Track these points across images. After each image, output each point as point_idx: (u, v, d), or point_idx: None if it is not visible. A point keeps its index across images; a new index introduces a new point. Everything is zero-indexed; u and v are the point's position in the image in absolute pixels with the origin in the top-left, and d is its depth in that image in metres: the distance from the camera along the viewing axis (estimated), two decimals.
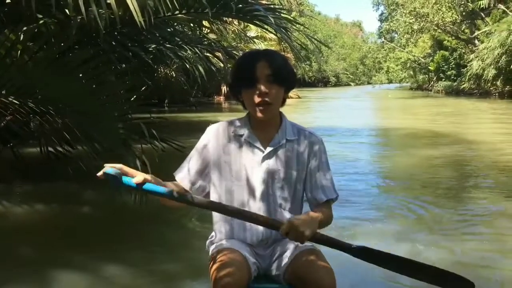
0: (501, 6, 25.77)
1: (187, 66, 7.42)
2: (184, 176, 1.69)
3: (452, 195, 4.95)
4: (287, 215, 1.66)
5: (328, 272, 1.49)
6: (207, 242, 1.77)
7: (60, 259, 3.00)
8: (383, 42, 50.45)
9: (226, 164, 1.67)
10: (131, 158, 3.86)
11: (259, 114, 1.60)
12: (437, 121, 13.66)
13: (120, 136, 3.85)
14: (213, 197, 1.68)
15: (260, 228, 1.62)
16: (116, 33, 5.02)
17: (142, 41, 5.35)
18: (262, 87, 1.57)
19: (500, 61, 21.76)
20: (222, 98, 27.22)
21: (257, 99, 1.58)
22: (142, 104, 4.82)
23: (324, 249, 1.61)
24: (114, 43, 4.89)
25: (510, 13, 23.23)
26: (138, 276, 2.79)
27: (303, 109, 19.35)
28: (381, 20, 51.87)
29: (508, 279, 2.77)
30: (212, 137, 1.68)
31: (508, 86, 24.00)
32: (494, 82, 24.32)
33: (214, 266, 1.50)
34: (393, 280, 2.59)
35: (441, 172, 6.17)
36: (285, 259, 1.60)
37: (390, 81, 61.47)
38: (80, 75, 3.93)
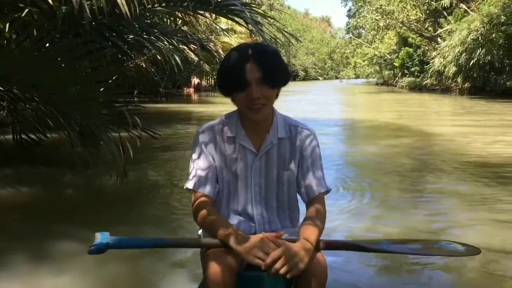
0: (463, 6, 26.84)
1: (158, 57, 7.59)
2: (207, 189, 1.62)
3: (409, 178, 5.42)
4: (284, 217, 1.68)
5: (322, 266, 1.46)
6: (199, 228, 1.74)
7: (51, 232, 3.22)
8: (350, 37, 51.39)
9: (223, 168, 1.64)
10: (113, 145, 4.06)
11: (252, 116, 1.57)
12: (400, 114, 14.29)
13: (104, 123, 4.04)
14: (216, 201, 1.66)
15: (255, 225, 1.64)
16: (94, 23, 5.18)
17: (121, 31, 5.53)
18: (254, 92, 1.51)
19: (460, 59, 22.71)
20: (191, 90, 27.26)
21: (249, 103, 1.54)
22: (117, 93, 5.00)
23: None
24: (94, 33, 5.05)
25: (471, 12, 24.22)
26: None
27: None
28: (349, 16, 52.82)
29: None
30: (209, 141, 1.65)
31: (467, 83, 25.10)
32: (455, 79, 25.37)
33: (205, 256, 1.50)
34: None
35: (401, 159, 6.66)
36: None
37: (357, 76, 62.76)
38: (63, 64, 4.10)
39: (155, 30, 5.93)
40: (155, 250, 2.64)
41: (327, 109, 16.57)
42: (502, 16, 20.46)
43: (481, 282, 2.60)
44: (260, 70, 1.50)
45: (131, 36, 5.71)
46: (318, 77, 78.50)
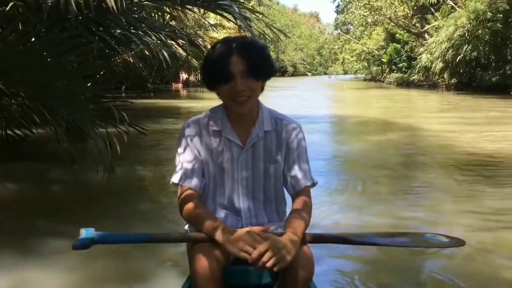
0: (450, 2, 27.05)
1: (146, 52, 7.53)
2: (193, 183, 1.61)
3: (397, 173, 5.48)
4: (270, 210, 1.69)
5: (308, 259, 1.46)
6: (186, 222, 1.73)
7: (38, 228, 3.20)
8: (339, 33, 51.45)
9: (209, 162, 1.64)
10: (100, 141, 4.04)
11: (236, 109, 1.57)
12: (387, 110, 14.40)
13: (91, 118, 4.02)
14: (202, 195, 1.66)
15: (241, 219, 1.65)
16: (81, 17, 5.13)
17: (108, 26, 5.48)
18: (238, 84, 1.51)
19: (447, 55, 22.90)
20: (180, 85, 27.15)
21: (233, 95, 1.53)
22: (104, 89, 4.97)
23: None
24: (81, 28, 5.00)
25: (458, 8, 24.42)
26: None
27: (260, 98, 19.65)
28: (337, 12, 52.78)
29: None
30: (194, 135, 1.64)
31: (454, 79, 25.36)
32: (441, 75, 25.60)
33: (191, 250, 1.49)
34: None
35: (388, 154, 6.73)
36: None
37: (345, 72, 62.88)
38: (49, 59, 4.06)
39: (143, 25, 5.88)
40: (144, 245, 2.63)
41: (316, 105, 16.63)
42: (488, 13, 20.69)
43: (466, 273, 2.65)
44: (244, 63, 1.50)
45: (118, 31, 5.66)
46: (307, 73, 78.60)
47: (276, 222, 1.67)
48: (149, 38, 6.01)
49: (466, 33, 21.49)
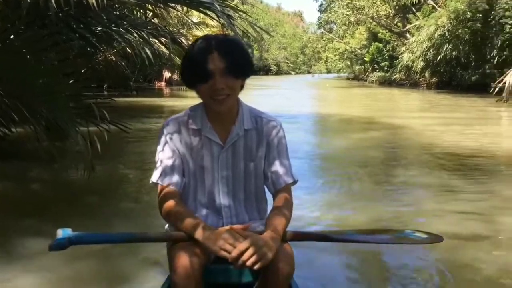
0: (431, 2, 27.41)
1: (129, 50, 7.45)
2: (173, 180, 1.60)
3: (378, 170, 5.55)
4: (251, 209, 1.68)
5: (288, 256, 1.45)
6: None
7: (17, 228, 3.15)
8: (322, 32, 51.69)
9: (189, 161, 1.62)
10: (80, 139, 3.99)
11: (216, 107, 1.55)
12: (370, 109, 14.55)
13: (71, 117, 3.96)
14: (183, 194, 1.64)
15: (222, 218, 1.63)
16: (61, 14, 5.05)
17: (88, 23, 5.41)
18: (218, 83, 1.49)
19: (428, 54, 23.23)
20: (163, 83, 26.95)
21: (213, 94, 1.52)
22: (85, 86, 4.91)
23: None
24: (61, 25, 4.93)
25: (438, 8, 24.76)
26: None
27: (243, 97, 19.67)
28: (320, 11, 52.97)
29: None
30: (174, 133, 1.62)
31: (434, 78, 25.73)
32: (423, 74, 25.97)
33: (172, 250, 1.48)
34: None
35: (370, 152, 6.79)
36: None
37: (328, 71, 63.18)
38: (28, 56, 3.99)
39: (124, 22, 5.82)
40: (125, 245, 2.61)
41: (299, 104, 16.69)
42: (468, 13, 21.04)
43: (444, 268, 2.70)
44: (223, 61, 1.48)
45: (99, 28, 5.60)
46: (291, 72, 78.73)
47: (257, 220, 1.67)
48: (131, 36, 5.95)
49: (447, 33, 21.82)
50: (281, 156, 1.67)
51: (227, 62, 1.48)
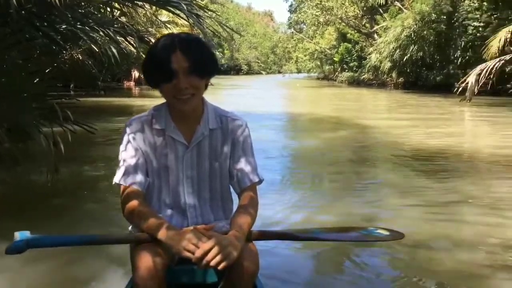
0: (397, 4, 28.03)
1: (95, 49, 7.28)
2: (136, 180, 1.57)
3: (347, 169, 5.63)
4: (217, 208, 1.67)
5: (253, 255, 1.46)
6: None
7: None
8: (292, 32, 52.06)
9: (155, 161, 1.60)
10: (43, 140, 3.88)
11: (180, 107, 1.54)
12: (339, 108, 14.76)
13: (35, 117, 3.85)
14: (147, 195, 1.62)
15: (187, 218, 1.62)
16: (24, 12, 4.90)
17: (53, 21, 5.26)
18: (181, 82, 1.47)
19: (395, 55, 23.72)
20: (132, 83, 26.57)
21: (176, 93, 1.50)
22: (49, 86, 4.77)
23: None
24: (23, 23, 4.77)
25: (405, 10, 25.34)
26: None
27: (214, 96, 19.63)
28: (290, 11, 53.34)
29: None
30: (136, 133, 1.60)
31: (401, 78, 26.30)
32: (390, 74, 26.51)
33: (134, 250, 1.46)
34: None
35: (339, 151, 6.90)
36: None
37: (299, 71, 63.73)
38: None
39: (90, 21, 5.68)
40: (90, 246, 2.55)
41: (270, 103, 16.77)
42: (433, 14, 21.61)
43: (407, 265, 2.77)
44: (187, 60, 1.46)
45: (64, 26, 5.44)
46: (261, 71, 78.96)
47: (223, 220, 1.67)
48: (97, 34, 5.82)
49: (413, 34, 22.34)
50: (246, 155, 1.66)
51: (190, 61, 1.47)
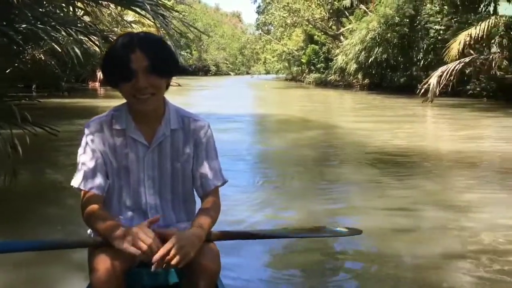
0: (362, 7, 28.60)
1: (58, 49, 7.10)
2: (95, 184, 1.56)
3: (313, 169, 5.72)
4: (179, 210, 1.65)
5: (214, 255, 1.46)
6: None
7: None
8: (260, 34, 52.29)
9: (115, 162, 1.58)
10: (1, 142, 3.76)
11: (139, 107, 1.52)
12: (306, 109, 14.94)
13: None
14: (106, 197, 1.60)
15: (148, 219, 1.55)
16: None
17: (11, 20, 5.10)
18: (141, 81, 1.45)
19: (360, 57, 24.17)
20: (97, 84, 26.05)
21: (136, 93, 1.47)
22: (9, 86, 4.64)
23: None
24: None
25: (369, 13, 25.89)
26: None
27: (182, 97, 19.48)
28: (258, 13, 53.59)
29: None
30: (95, 134, 1.57)
31: (367, 79, 26.85)
32: (356, 75, 27.00)
33: (92, 253, 1.44)
34: None
35: (305, 151, 6.99)
36: None
37: (267, 72, 64.03)
38: None
39: (51, 20, 5.53)
40: (48, 252, 2.49)
41: (238, 104, 16.78)
42: (396, 17, 22.15)
43: (368, 260, 2.83)
44: (146, 59, 1.44)
45: (23, 25, 5.29)
46: (230, 72, 78.91)
47: (185, 222, 1.65)
48: (58, 34, 5.67)
49: (377, 36, 22.83)
50: (209, 158, 1.65)
51: (150, 60, 1.44)
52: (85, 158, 1.56)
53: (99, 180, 1.56)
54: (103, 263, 1.36)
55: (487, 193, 4.44)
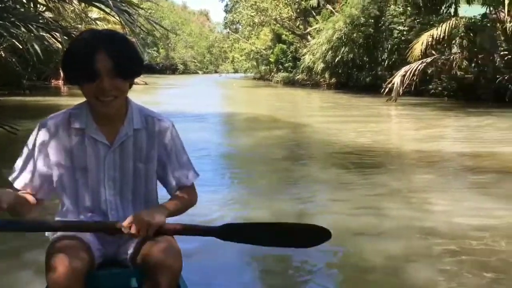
0: (329, 7, 28.98)
1: (19, 45, 6.91)
2: (27, 183, 1.53)
3: (280, 167, 5.75)
4: (140, 210, 1.57)
5: (176, 254, 1.44)
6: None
7: None
8: (228, 32, 52.18)
9: (70, 163, 1.52)
10: None
11: (101, 109, 1.48)
12: (274, 108, 15.02)
13: None
14: (62, 199, 1.58)
15: (107, 217, 1.56)
16: None
17: None
18: (105, 83, 1.41)
19: (327, 56, 24.48)
20: (60, 82, 25.38)
21: (99, 94, 1.43)
22: None
23: None
24: None
25: (336, 13, 26.25)
26: None
27: (149, 96, 19.22)
28: (226, 11, 53.43)
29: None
30: (50, 133, 1.51)
31: (333, 78, 27.23)
32: (323, 75, 27.34)
33: (50, 254, 1.39)
34: None
35: (273, 149, 7.02)
36: (134, 243, 1.53)
37: (236, 71, 63.96)
38: None
39: (10, 15, 5.36)
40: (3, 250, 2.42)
41: (206, 103, 16.69)
42: (362, 18, 22.55)
43: (332, 258, 2.88)
44: (111, 60, 1.40)
45: None
46: (198, 71, 78.39)
47: None
48: (18, 30, 5.50)
49: (343, 36, 23.17)
50: (179, 157, 1.65)
51: (115, 61, 1.40)
52: (29, 162, 1.54)
53: (39, 186, 1.54)
54: (62, 264, 1.32)
55: (445, 189, 4.59)
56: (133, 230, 1.41)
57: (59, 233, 1.50)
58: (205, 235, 1.60)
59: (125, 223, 1.42)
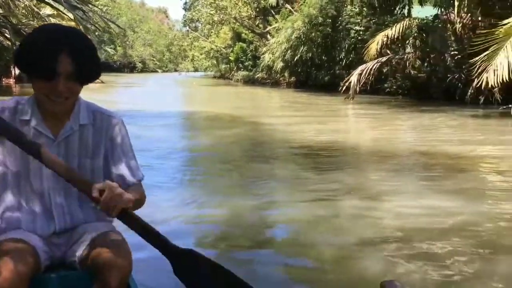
0: (288, 6, 29.29)
1: None
2: None
3: (240, 165, 5.78)
4: (87, 208, 1.55)
5: (126, 254, 1.42)
6: None
7: None
8: (188, 30, 51.71)
9: (12, 154, 1.47)
10: None
11: (50, 108, 1.46)
12: (234, 106, 15.03)
13: None
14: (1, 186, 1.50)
15: (54, 219, 1.51)
16: None
17: None
18: (61, 86, 1.39)
19: (286, 55, 24.74)
20: (12, 80, 24.38)
21: (51, 94, 1.41)
22: None
23: None
24: None
25: (295, 12, 26.56)
26: None
27: (107, 95, 18.79)
28: (185, 9, 52.91)
29: (280, 224, 3.52)
30: None
31: (293, 77, 27.55)
32: (282, 73, 27.61)
33: None
34: None
35: (233, 148, 7.05)
36: (82, 245, 1.48)
37: (196, 69, 63.48)
38: None
39: None
40: None
41: (165, 102, 16.51)
42: (320, 17, 22.93)
43: (288, 250, 2.94)
44: (72, 65, 1.38)
45: None
46: (157, 69, 77.24)
47: (94, 222, 1.57)
48: None
49: (302, 35, 23.48)
50: (125, 155, 1.61)
51: (76, 66, 1.39)
52: None
53: None
54: (6, 268, 1.27)
55: (397, 184, 4.75)
56: (103, 197, 1.34)
57: (2, 236, 1.44)
58: (162, 252, 1.53)
59: (98, 185, 1.36)
